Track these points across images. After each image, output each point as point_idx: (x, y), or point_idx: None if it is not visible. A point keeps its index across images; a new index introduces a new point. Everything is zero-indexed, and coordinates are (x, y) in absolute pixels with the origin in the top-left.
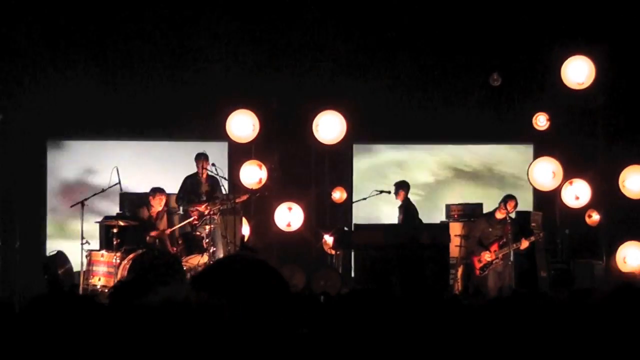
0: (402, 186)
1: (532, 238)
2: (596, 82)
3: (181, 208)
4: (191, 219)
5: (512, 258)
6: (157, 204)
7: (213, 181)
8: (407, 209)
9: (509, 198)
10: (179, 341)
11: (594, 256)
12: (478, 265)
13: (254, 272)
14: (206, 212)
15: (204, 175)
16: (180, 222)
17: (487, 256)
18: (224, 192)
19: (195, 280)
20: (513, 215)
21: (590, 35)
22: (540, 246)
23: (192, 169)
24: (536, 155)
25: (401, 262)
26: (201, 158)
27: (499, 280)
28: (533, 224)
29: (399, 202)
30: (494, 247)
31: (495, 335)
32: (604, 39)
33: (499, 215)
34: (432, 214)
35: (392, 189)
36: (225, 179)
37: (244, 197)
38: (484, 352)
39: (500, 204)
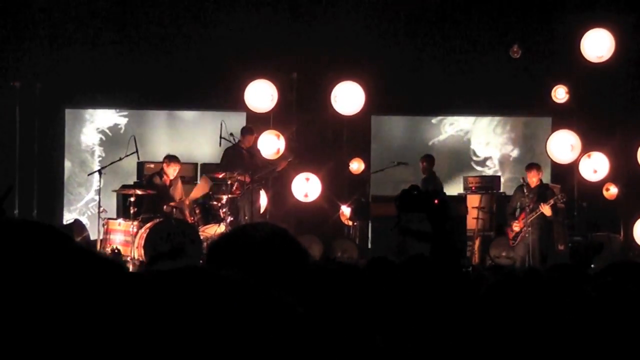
0: (425, 159)
1: (551, 201)
2: (616, 54)
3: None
4: (235, 189)
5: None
6: (171, 172)
7: (252, 151)
8: (430, 182)
9: (527, 167)
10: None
11: (612, 230)
12: (510, 236)
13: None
14: (248, 181)
15: (245, 147)
16: (196, 191)
17: (515, 226)
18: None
19: (211, 250)
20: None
21: (611, 6)
22: (558, 219)
23: (211, 138)
24: (554, 128)
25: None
26: (247, 132)
27: (527, 251)
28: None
29: (421, 176)
30: (522, 216)
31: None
32: (625, 9)
33: (530, 183)
34: (448, 186)
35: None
36: (243, 148)
37: (284, 164)
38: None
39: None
